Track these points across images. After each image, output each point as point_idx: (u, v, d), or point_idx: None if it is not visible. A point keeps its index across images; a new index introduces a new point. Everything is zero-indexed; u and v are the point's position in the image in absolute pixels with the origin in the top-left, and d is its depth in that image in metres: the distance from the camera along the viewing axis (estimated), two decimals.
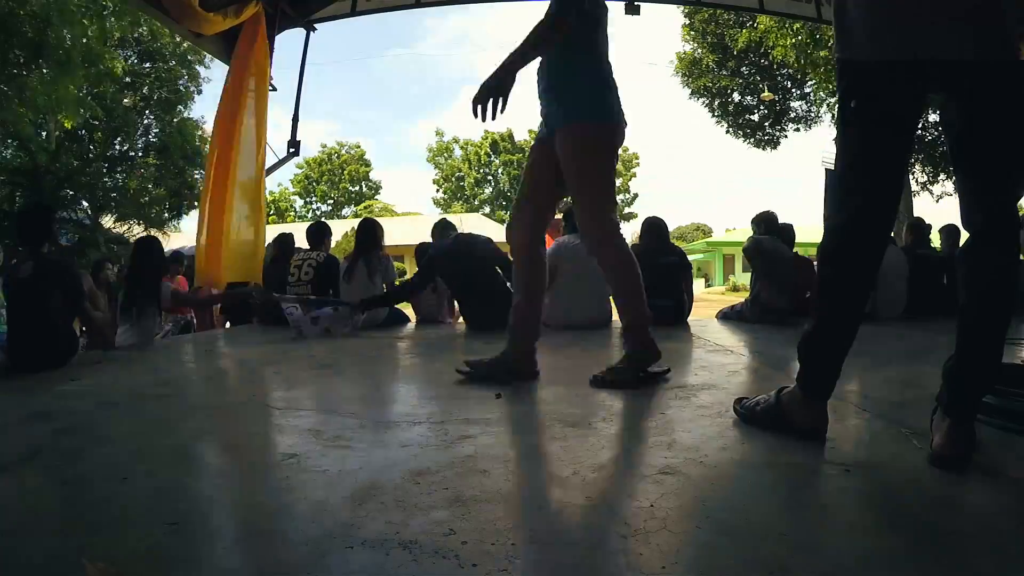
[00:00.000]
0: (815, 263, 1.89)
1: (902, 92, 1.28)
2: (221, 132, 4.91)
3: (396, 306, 4.56)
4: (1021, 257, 1.31)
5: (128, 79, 17.28)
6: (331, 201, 42.42)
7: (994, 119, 1.23)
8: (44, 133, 14.82)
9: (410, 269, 26.49)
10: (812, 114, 14.82)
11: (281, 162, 5.61)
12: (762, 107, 14.61)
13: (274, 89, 5.42)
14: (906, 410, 1.65)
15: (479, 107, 1.89)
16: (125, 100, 17.95)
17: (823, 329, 1.40)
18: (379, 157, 70.89)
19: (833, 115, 13.69)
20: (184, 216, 21.85)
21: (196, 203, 21.59)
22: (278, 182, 42.52)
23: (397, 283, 4.58)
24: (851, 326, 1.37)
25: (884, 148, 1.32)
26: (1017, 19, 1.22)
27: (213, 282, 4.90)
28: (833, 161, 1.44)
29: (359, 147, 43.34)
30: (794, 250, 4.54)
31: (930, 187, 13.72)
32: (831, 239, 1.39)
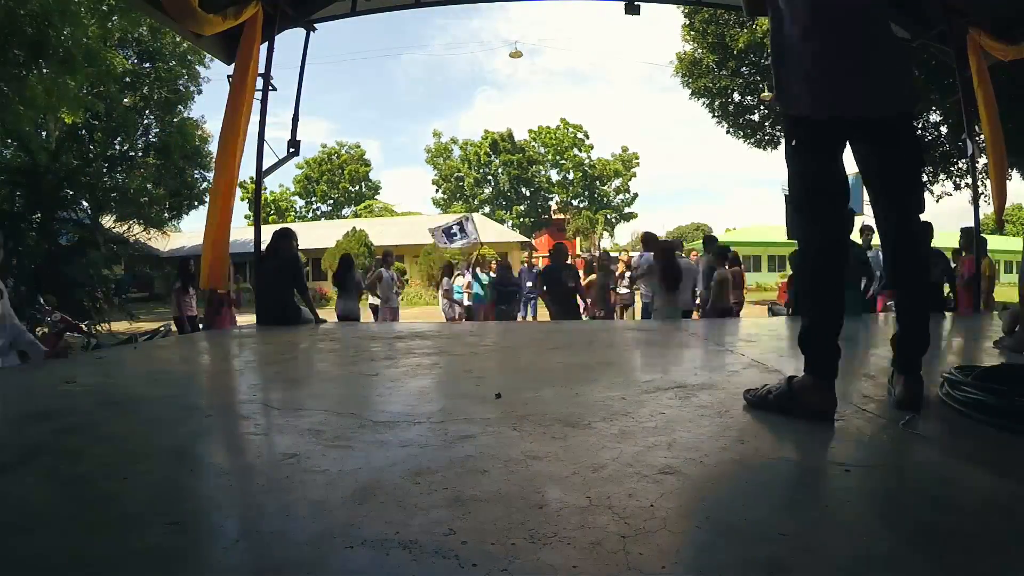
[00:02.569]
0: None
1: (833, 138, 1.65)
2: (225, 135, 4.90)
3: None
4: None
5: (128, 79, 17.28)
6: (331, 201, 42.43)
7: (898, 157, 1.64)
8: (44, 133, 14.81)
9: (409, 268, 26.46)
10: None
11: (281, 162, 5.59)
12: (762, 107, 14.58)
13: (274, 89, 5.41)
14: (905, 410, 1.65)
15: None
16: (125, 100, 17.96)
17: (816, 324, 1.63)
18: (387, 157, 71.05)
19: None
20: (184, 216, 21.88)
21: (196, 203, 21.66)
22: (279, 182, 42.62)
23: None
24: (839, 313, 1.62)
25: (831, 173, 1.66)
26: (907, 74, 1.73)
27: (219, 282, 4.88)
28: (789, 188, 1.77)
29: (359, 147, 43.38)
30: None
31: (930, 187, 13.69)
32: (809, 250, 1.67)
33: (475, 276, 9.42)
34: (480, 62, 70.65)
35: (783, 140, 1.77)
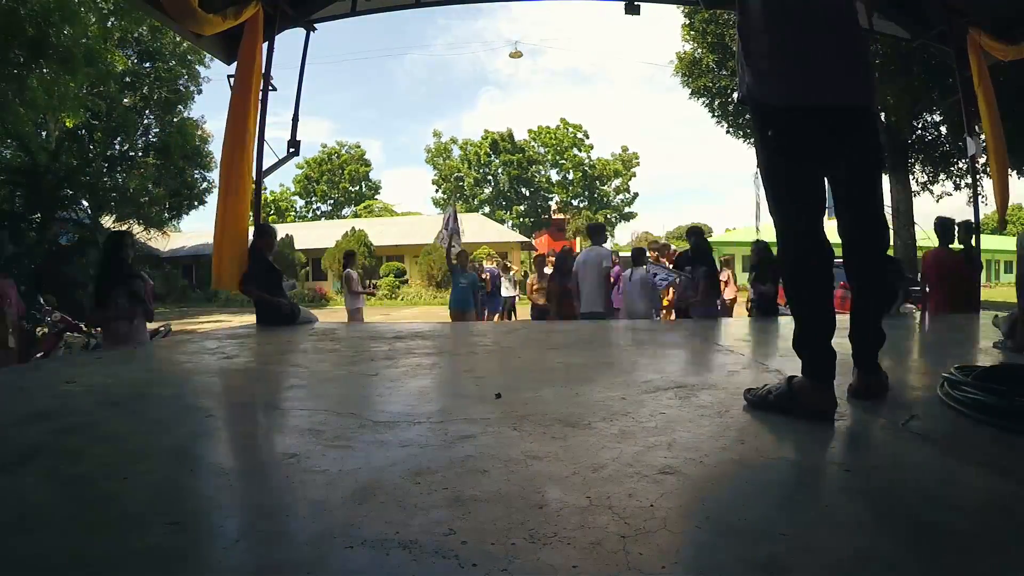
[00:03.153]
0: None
1: (809, 128, 1.59)
2: (232, 135, 4.88)
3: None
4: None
5: (128, 79, 17.28)
6: (331, 201, 42.46)
7: (863, 155, 1.64)
8: (44, 133, 14.83)
9: (409, 269, 26.46)
10: None
11: (281, 162, 5.58)
12: None
13: (274, 89, 5.41)
14: (905, 410, 1.65)
15: None
16: (125, 100, 17.95)
17: (808, 326, 1.65)
18: (389, 157, 71.42)
19: None
20: (184, 216, 21.89)
21: (196, 203, 21.67)
22: (279, 182, 42.69)
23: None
24: (830, 315, 1.63)
25: (807, 173, 1.63)
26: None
27: (232, 283, 4.86)
28: (763, 186, 1.72)
29: (359, 147, 43.42)
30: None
31: (930, 187, 13.71)
32: (792, 255, 1.65)
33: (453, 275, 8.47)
34: (484, 62, 70.64)
35: (756, 144, 1.73)
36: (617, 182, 39.43)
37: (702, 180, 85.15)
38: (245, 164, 4.87)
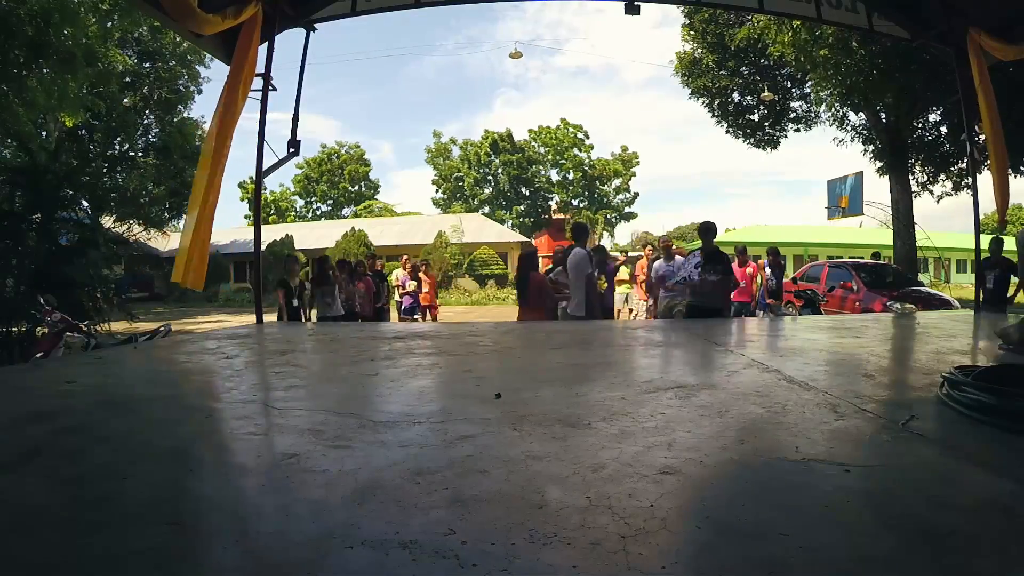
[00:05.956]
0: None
1: None
2: (217, 133, 4.83)
3: None
4: None
5: (128, 79, 17.30)
6: (331, 201, 42.49)
7: None
8: (44, 133, 14.83)
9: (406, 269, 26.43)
10: (812, 114, 14.80)
11: (281, 162, 5.58)
12: (762, 107, 14.59)
13: (274, 89, 5.40)
14: (905, 410, 1.65)
15: None
16: (125, 100, 17.97)
17: None
18: (400, 158, 71.17)
19: (833, 114, 13.72)
20: (184, 216, 21.96)
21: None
22: (279, 182, 42.70)
23: None
24: None
25: None
26: None
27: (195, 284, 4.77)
28: None
29: (358, 147, 43.41)
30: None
31: (930, 187, 13.70)
32: None
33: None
34: (497, 64, 70.20)
35: None
36: (617, 182, 39.43)
37: (702, 180, 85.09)
38: (222, 164, 4.80)
